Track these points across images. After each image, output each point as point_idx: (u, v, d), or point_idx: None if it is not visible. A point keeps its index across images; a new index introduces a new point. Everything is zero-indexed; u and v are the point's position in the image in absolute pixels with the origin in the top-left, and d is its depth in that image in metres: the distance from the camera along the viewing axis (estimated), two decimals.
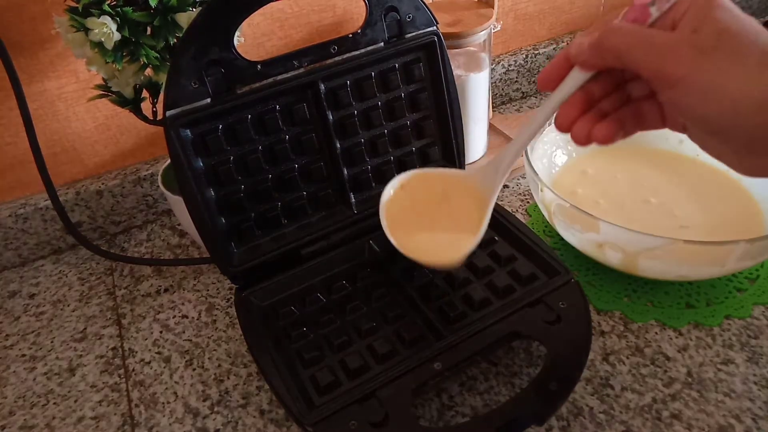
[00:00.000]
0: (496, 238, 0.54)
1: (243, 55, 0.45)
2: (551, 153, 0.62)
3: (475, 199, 0.44)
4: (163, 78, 0.48)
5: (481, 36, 0.62)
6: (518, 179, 0.69)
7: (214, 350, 0.53)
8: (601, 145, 0.35)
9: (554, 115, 0.37)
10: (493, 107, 0.81)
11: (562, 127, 0.36)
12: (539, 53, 0.83)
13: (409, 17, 0.50)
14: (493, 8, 0.63)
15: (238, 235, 0.51)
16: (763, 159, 0.31)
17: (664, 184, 0.60)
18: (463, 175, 0.46)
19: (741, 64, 0.29)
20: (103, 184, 0.65)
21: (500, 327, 0.45)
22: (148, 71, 0.50)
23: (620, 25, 0.32)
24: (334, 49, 0.49)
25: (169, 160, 0.60)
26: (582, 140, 0.35)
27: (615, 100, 0.36)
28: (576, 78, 0.35)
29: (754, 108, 0.29)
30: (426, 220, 0.45)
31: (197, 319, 0.57)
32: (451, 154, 0.56)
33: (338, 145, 0.52)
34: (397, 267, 0.52)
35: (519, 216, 0.64)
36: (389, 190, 0.45)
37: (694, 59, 0.29)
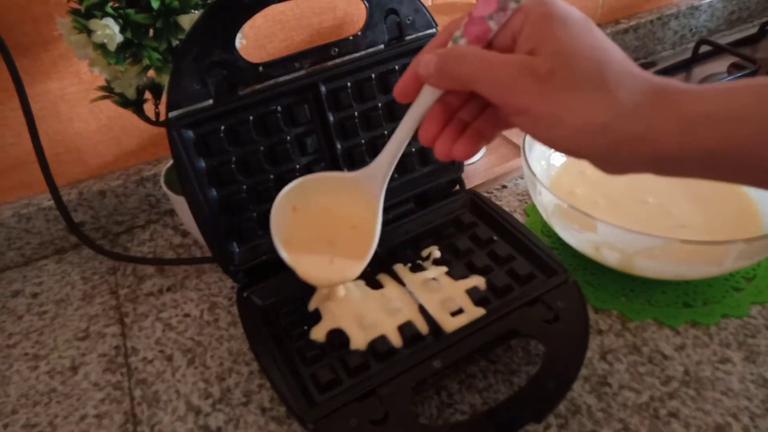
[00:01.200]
0: (495, 237, 0.54)
1: (245, 56, 0.46)
2: (549, 154, 0.62)
3: (364, 207, 0.44)
4: (165, 79, 0.48)
5: None
6: (516, 180, 0.70)
7: (216, 348, 0.54)
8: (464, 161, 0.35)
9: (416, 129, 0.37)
10: None
11: (425, 142, 0.36)
12: None
13: (409, 20, 0.51)
14: None
15: (240, 235, 0.51)
16: (623, 167, 0.30)
17: (662, 183, 0.60)
18: (348, 178, 0.45)
19: (579, 89, 0.29)
20: (106, 184, 0.65)
21: (499, 325, 0.45)
22: (151, 73, 0.50)
23: (463, 53, 0.31)
24: (334, 51, 0.49)
25: (171, 161, 0.60)
26: (444, 158, 0.36)
27: (473, 107, 0.35)
28: (430, 93, 0.35)
29: (597, 131, 0.29)
30: (319, 232, 0.45)
31: (199, 318, 0.57)
32: None
33: (339, 146, 0.53)
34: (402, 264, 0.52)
35: (517, 216, 0.64)
36: (278, 201, 0.44)
37: (534, 89, 0.29)
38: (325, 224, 0.46)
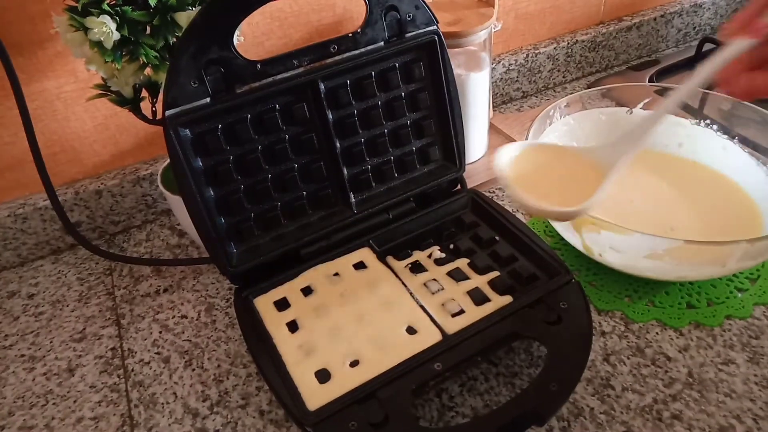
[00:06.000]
0: (497, 238, 0.53)
1: (242, 54, 0.45)
2: None
3: (595, 170, 0.45)
4: (162, 77, 0.48)
5: (482, 35, 0.62)
6: None
7: (214, 350, 0.53)
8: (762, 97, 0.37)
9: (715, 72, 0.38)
10: (493, 107, 0.81)
11: (722, 84, 0.38)
12: (540, 53, 0.82)
13: (409, 16, 0.50)
14: (493, 7, 0.63)
15: (238, 235, 0.50)
16: None
17: (664, 186, 0.60)
18: (585, 150, 0.47)
19: None
20: (102, 183, 0.65)
21: (501, 327, 0.45)
22: (148, 71, 0.50)
23: None
24: (333, 48, 0.49)
25: (168, 160, 0.59)
26: (747, 93, 0.37)
27: None
28: (745, 43, 0.37)
29: None
30: (546, 180, 0.47)
31: (196, 320, 0.56)
32: (452, 153, 0.56)
33: (338, 145, 0.52)
34: (402, 264, 0.52)
35: (519, 216, 0.64)
36: (509, 152, 0.46)
37: None
38: (550, 174, 0.47)
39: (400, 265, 0.52)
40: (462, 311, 0.47)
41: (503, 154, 0.46)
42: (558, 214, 0.45)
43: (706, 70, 0.40)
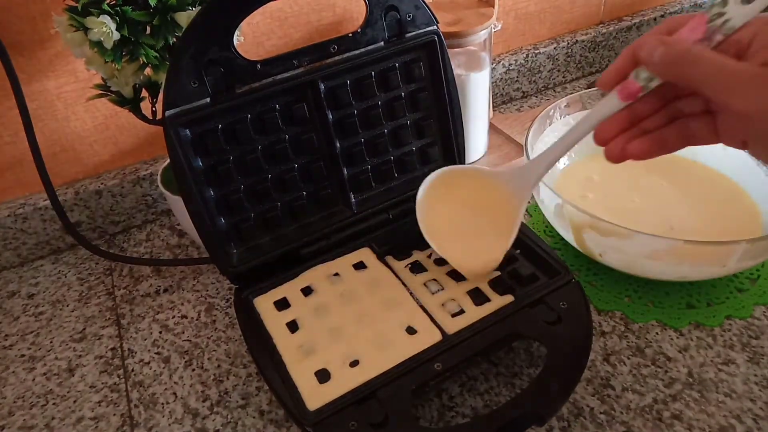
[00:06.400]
0: None
1: (242, 54, 0.45)
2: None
3: (505, 203, 0.46)
4: (162, 77, 0.48)
5: (482, 35, 0.62)
6: None
7: (214, 350, 0.53)
8: (635, 160, 0.36)
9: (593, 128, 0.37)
10: (493, 107, 0.81)
11: (599, 141, 0.37)
12: (540, 53, 0.82)
13: (409, 16, 0.50)
14: (493, 7, 0.63)
15: (238, 235, 0.50)
16: None
17: (665, 186, 0.60)
18: (494, 175, 0.47)
19: None
20: (102, 183, 0.65)
21: (501, 327, 0.45)
22: (148, 71, 0.50)
23: (697, 56, 0.32)
24: (333, 48, 0.48)
25: (168, 160, 0.59)
26: (615, 157, 0.36)
27: (660, 118, 0.36)
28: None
29: None
30: (459, 223, 0.49)
31: (196, 320, 0.56)
32: (452, 154, 0.56)
33: (338, 145, 0.52)
34: (402, 264, 0.52)
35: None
36: (423, 188, 0.48)
37: (764, 98, 0.30)
38: (466, 217, 0.49)
39: (400, 265, 0.52)
40: (462, 311, 0.47)
41: (421, 187, 0.48)
42: (464, 269, 0.48)
43: (582, 127, 0.38)
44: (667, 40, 0.33)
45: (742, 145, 0.34)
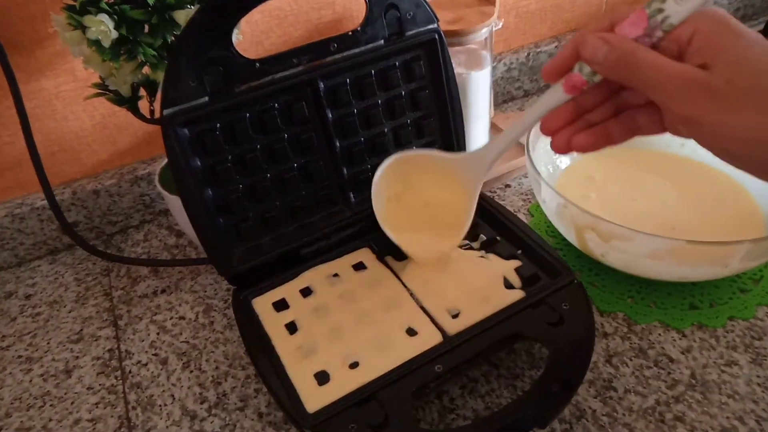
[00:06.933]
0: (498, 238, 0.53)
1: (241, 53, 0.45)
2: (556, 158, 0.62)
3: (461, 188, 0.46)
4: (160, 76, 0.47)
5: (483, 34, 0.61)
6: (520, 179, 0.69)
7: (212, 352, 0.53)
8: (580, 153, 0.37)
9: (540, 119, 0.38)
10: (494, 105, 0.81)
11: (545, 131, 0.37)
12: (541, 51, 0.82)
13: (409, 15, 0.50)
14: (494, 6, 0.63)
15: (237, 236, 0.50)
16: None
17: (667, 186, 0.60)
18: (449, 160, 0.47)
19: (753, 105, 0.29)
20: (99, 183, 0.64)
21: (502, 328, 0.44)
22: (146, 69, 0.49)
23: (640, 60, 0.31)
24: (333, 46, 0.48)
25: (166, 160, 0.59)
26: (560, 149, 0.37)
27: (606, 109, 0.36)
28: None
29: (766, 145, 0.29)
30: (416, 210, 0.49)
31: (194, 321, 0.56)
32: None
33: (338, 144, 0.52)
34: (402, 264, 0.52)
35: (521, 216, 0.63)
36: (378, 174, 0.47)
37: (707, 103, 0.30)
38: (421, 204, 0.49)
39: (400, 266, 0.51)
40: (462, 312, 0.46)
41: (376, 173, 0.47)
42: (418, 257, 0.49)
43: (529, 117, 0.38)
44: (610, 39, 0.32)
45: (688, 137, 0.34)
